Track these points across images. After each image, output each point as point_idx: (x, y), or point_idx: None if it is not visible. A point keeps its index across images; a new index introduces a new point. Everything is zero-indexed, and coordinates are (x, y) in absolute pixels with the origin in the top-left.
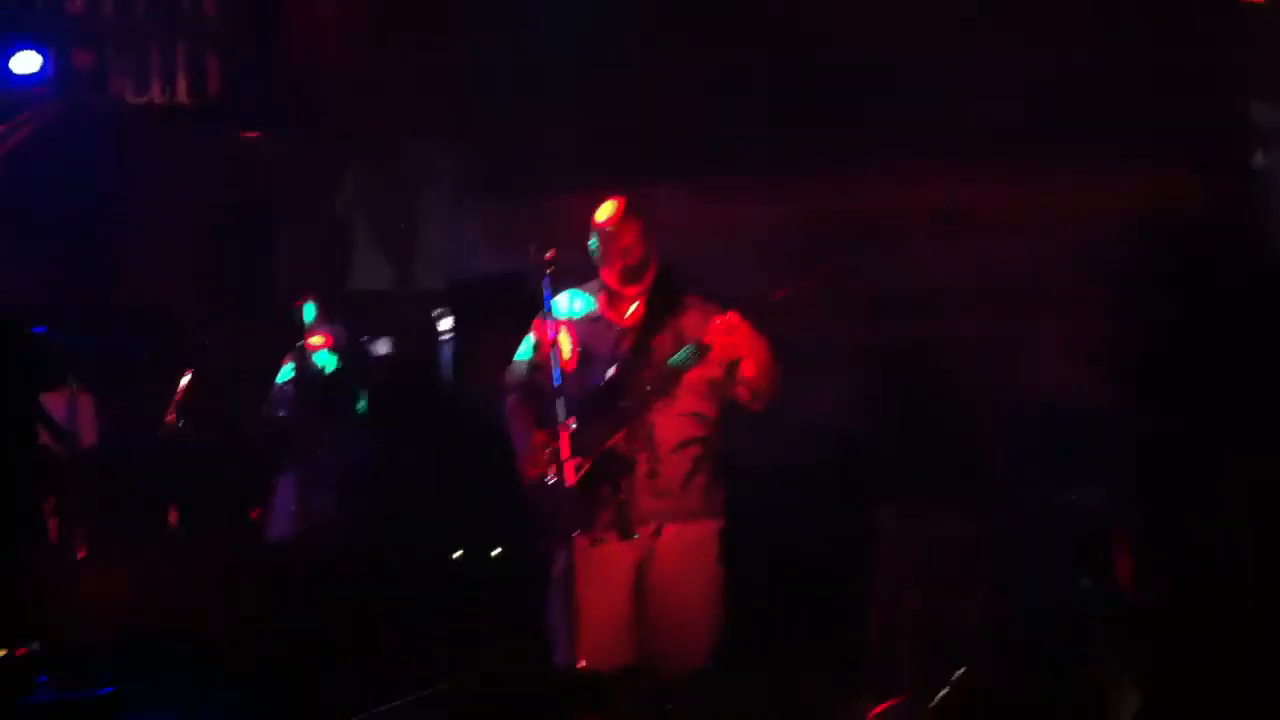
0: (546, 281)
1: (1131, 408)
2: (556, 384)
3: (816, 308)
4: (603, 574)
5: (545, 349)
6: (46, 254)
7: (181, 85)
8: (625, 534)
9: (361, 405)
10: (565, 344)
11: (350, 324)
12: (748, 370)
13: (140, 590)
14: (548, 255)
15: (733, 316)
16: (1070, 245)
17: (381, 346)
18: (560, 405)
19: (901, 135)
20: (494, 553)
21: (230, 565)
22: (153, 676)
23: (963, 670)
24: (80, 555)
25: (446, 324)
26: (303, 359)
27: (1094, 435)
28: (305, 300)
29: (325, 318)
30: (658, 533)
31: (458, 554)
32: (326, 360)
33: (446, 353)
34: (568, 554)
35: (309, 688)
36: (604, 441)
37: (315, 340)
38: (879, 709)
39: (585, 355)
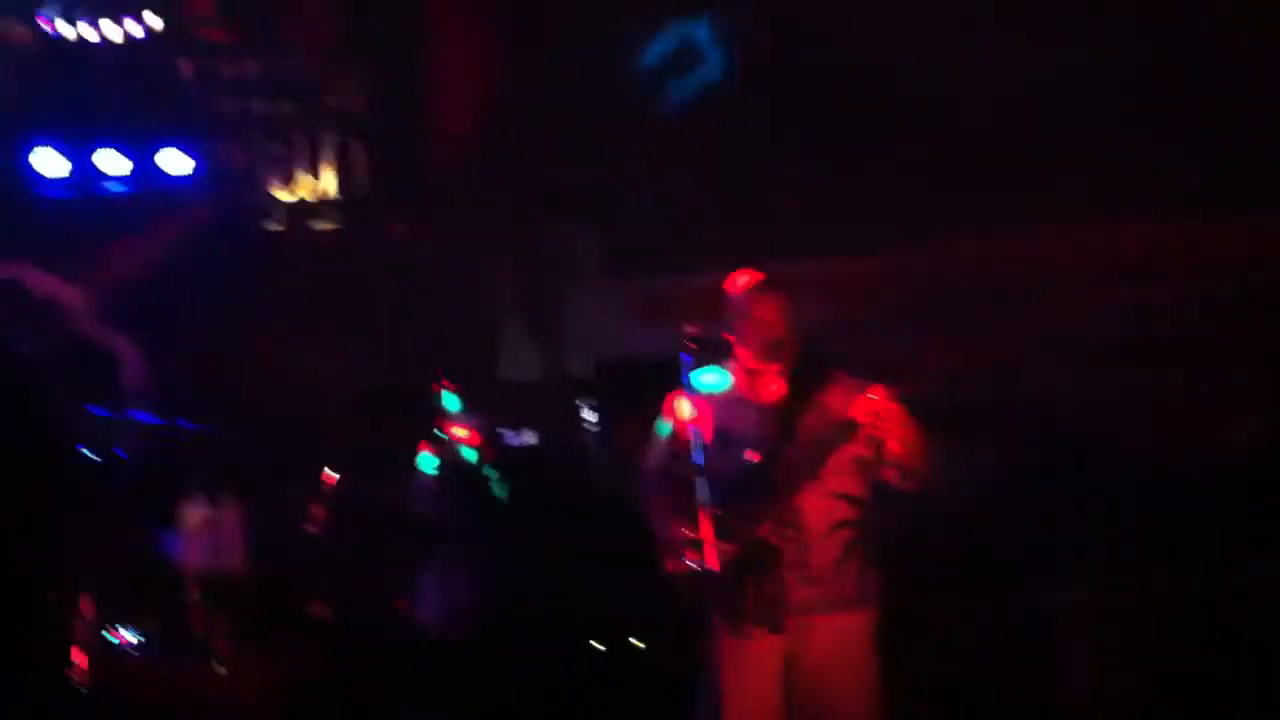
0: (688, 359)
1: None
2: (699, 463)
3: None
4: (751, 668)
5: (683, 428)
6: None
7: (329, 179)
8: (775, 627)
9: (502, 493)
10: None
11: (492, 415)
12: (897, 448)
13: (287, 691)
14: (690, 330)
15: (880, 392)
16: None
17: (526, 437)
18: (701, 486)
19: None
20: (636, 644)
21: (376, 657)
22: None
23: None
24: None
25: (591, 413)
26: (445, 450)
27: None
28: (442, 388)
29: (467, 409)
30: (810, 625)
31: (601, 646)
32: (470, 454)
33: (593, 442)
34: (715, 647)
35: None
36: (750, 527)
37: (459, 433)
38: None
39: (724, 437)
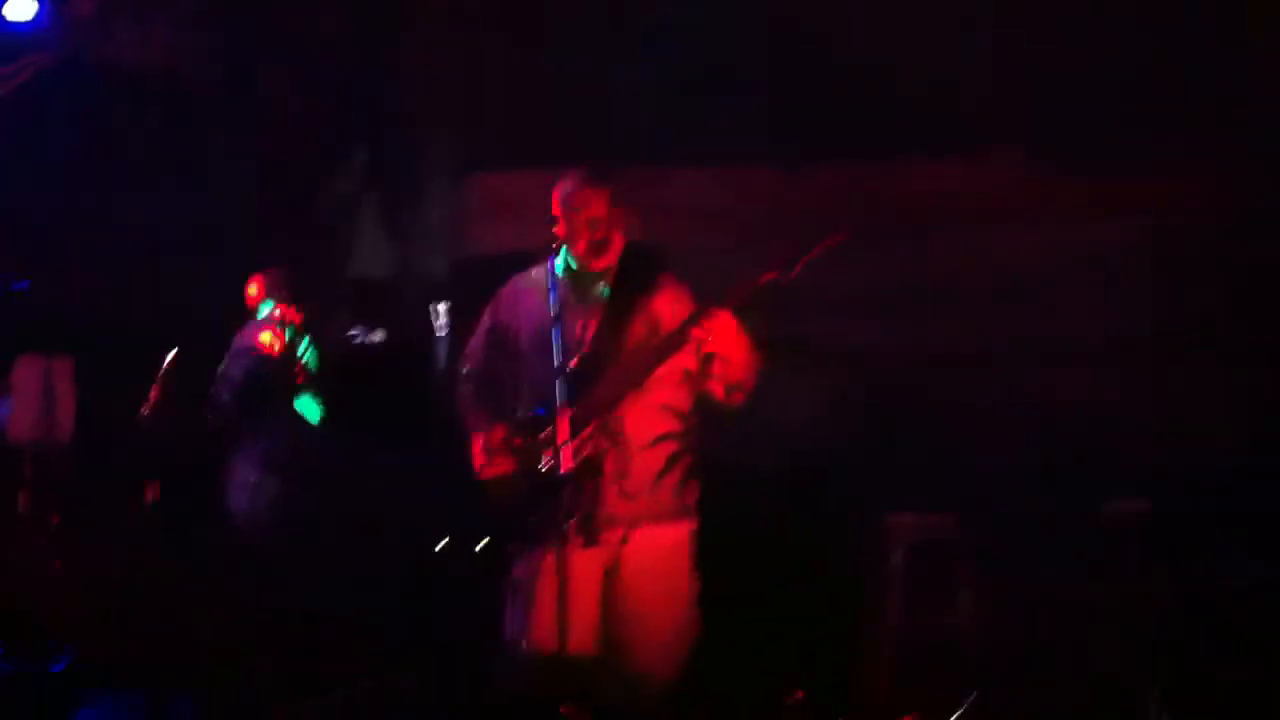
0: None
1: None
2: (557, 363)
3: (801, 302)
4: (567, 580)
5: (506, 328)
6: (33, 210)
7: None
8: (590, 539)
9: (313, 413)
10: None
11: (343, 313)
12: (727, 364)
13: (108, 567)
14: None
15: (719, 311)
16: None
17: (376, 336)
18: (560, 388)
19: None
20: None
21: (195, 545)
22: (114, 654)
23: (974, 695)
24: (52, 528)
25: (442, 315)
26: (249, 358)
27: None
28: (261, 280)
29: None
30: (625, 539)
31: (441, 544)
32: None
33: (441, 346)
34: (528, 557)
35: (269, 668)
36: (568, 437)
37: (265, 339)
38: None
39: (545, 340)
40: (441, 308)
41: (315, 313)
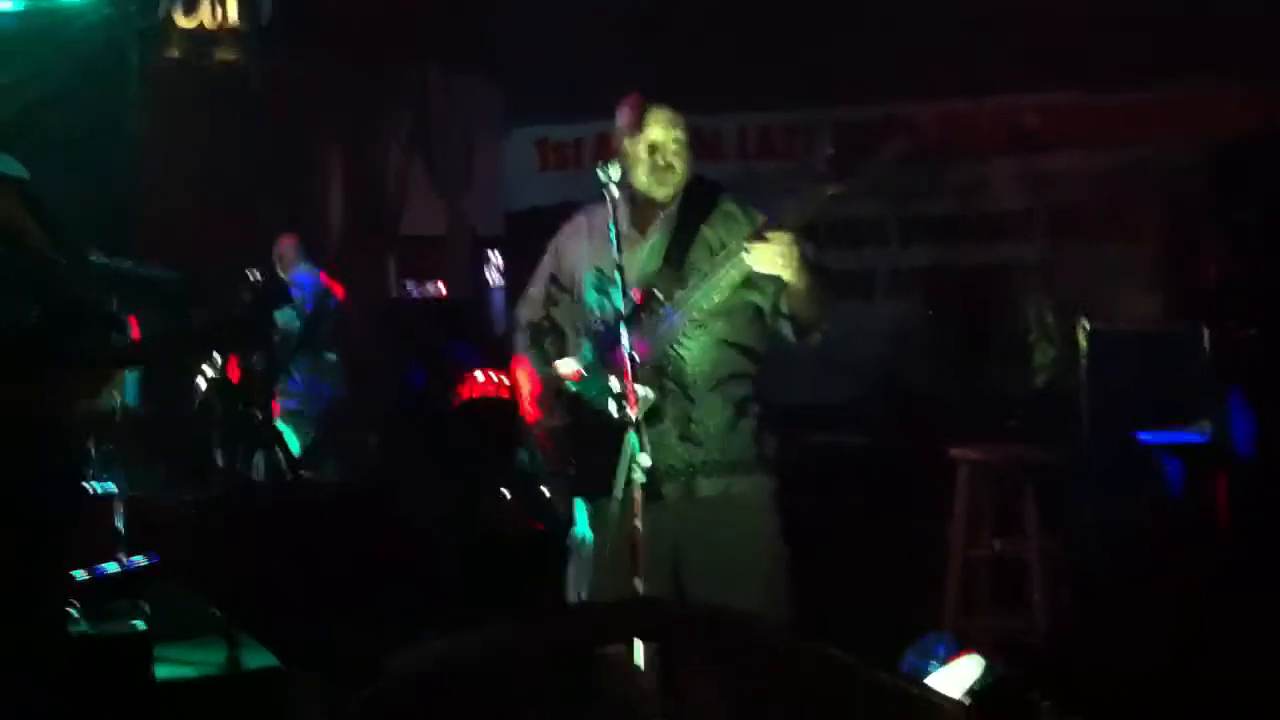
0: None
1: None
2: (620, 302)
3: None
4: (633, 538)
5: (563, 272)
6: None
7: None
8: (654, 493)
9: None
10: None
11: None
12: (793, 296)
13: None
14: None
15: (777, 231)
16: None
17: (431, 288)
18: (622, 328)
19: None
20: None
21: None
22: None
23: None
24: None
25: (498, 268)
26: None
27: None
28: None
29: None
30: (692, 490)
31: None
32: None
33: (498, 299)
34: (590, 514)
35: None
36: (626, 378)
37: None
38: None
39: (603, 276)
40: (496, 259)
41: None
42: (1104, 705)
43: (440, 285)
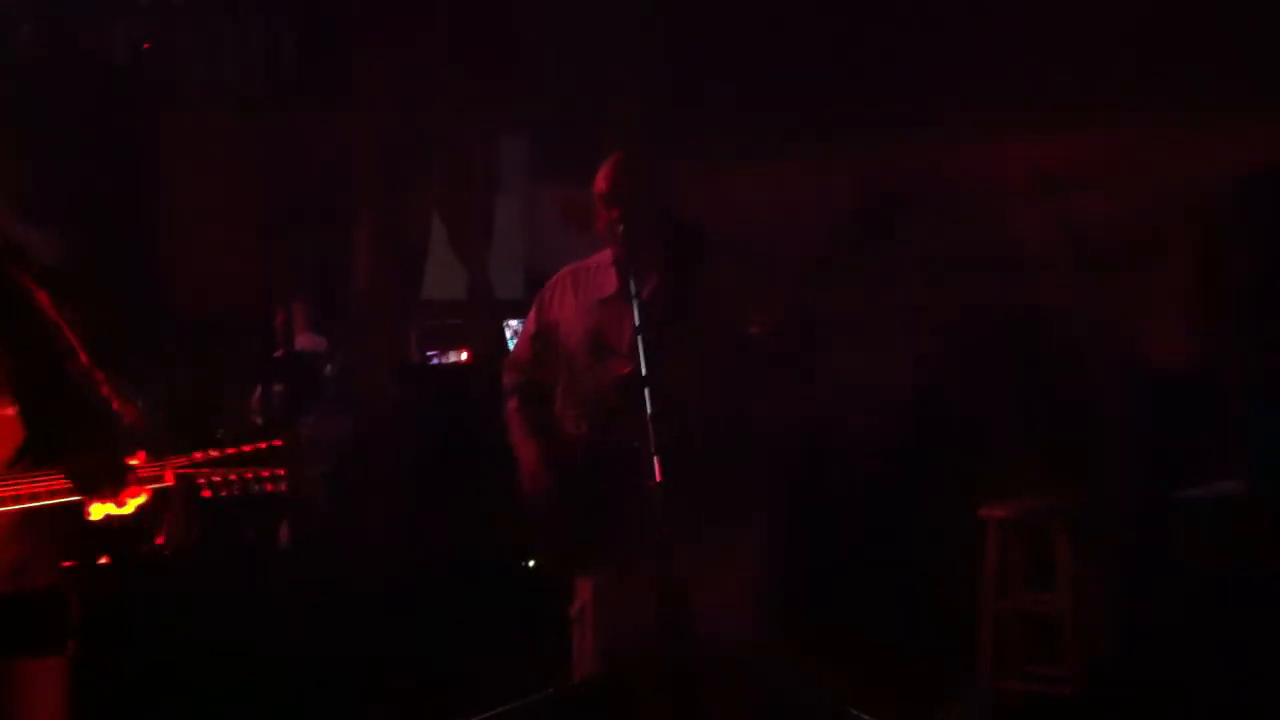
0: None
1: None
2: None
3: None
4: (626, 595)
5: (552, 332)
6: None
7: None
8: (657, 557)
9: None
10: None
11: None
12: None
13: None
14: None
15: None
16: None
17: (453, 356)
18: (616, 389)
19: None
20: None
21: None
22: None
23: None
24: None
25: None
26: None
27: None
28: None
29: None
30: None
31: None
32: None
33: None
34: (589, 586)
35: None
36: (620, 447)
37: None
38: None
39: (599, 344)
40: (515, 324)
41: None
42: None
43: (464, 353)
